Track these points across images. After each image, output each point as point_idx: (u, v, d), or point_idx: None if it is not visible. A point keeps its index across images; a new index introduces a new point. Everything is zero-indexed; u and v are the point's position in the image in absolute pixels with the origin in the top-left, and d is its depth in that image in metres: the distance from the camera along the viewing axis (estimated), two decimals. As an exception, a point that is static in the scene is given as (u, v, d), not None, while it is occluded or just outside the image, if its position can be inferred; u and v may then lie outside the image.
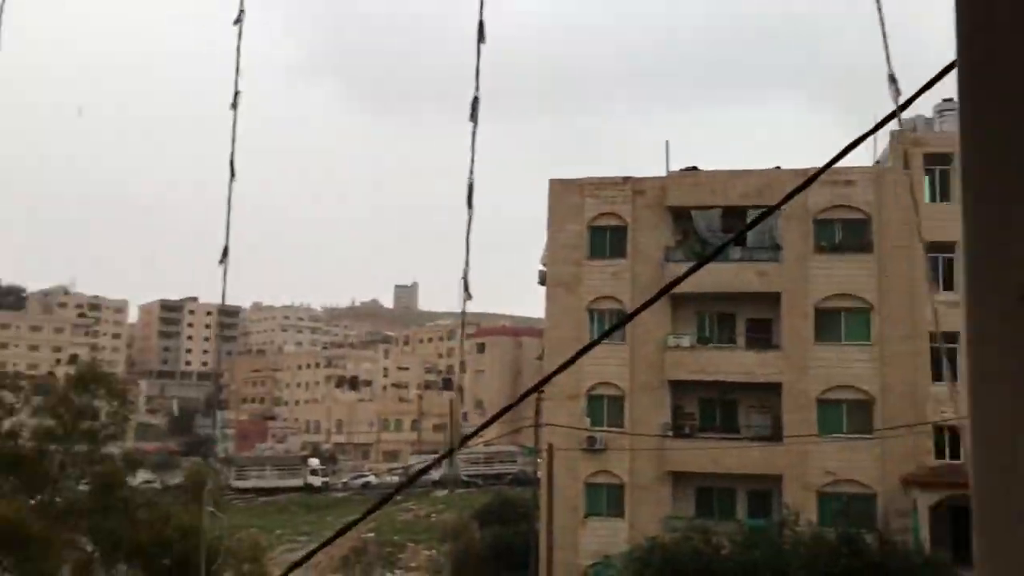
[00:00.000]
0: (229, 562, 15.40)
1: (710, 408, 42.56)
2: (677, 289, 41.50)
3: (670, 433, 41.30)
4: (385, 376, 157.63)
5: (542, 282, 44.08)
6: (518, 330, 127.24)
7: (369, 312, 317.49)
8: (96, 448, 15.09)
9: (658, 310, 42.22)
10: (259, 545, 16.64)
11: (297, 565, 7.82)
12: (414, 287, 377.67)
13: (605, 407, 41.65)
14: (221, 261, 3.31)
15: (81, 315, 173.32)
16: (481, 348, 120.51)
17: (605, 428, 40.99)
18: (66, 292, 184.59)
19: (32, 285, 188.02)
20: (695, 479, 41.23)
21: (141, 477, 17.28)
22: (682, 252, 42.29)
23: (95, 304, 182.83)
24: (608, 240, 42.63)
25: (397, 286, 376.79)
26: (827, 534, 35.00)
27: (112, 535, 14.64)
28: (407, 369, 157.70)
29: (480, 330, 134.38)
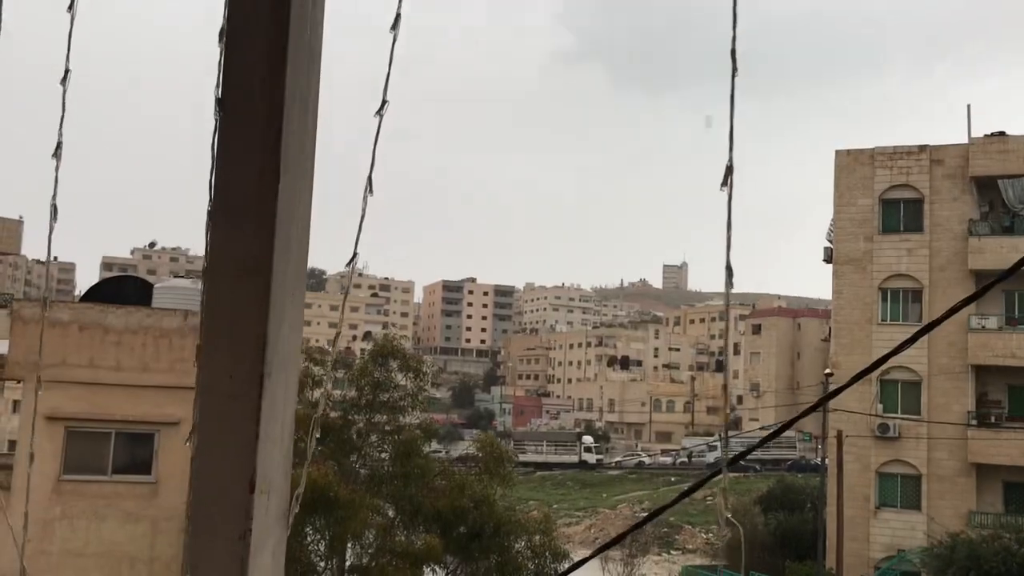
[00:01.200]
0: (519, 533, 15.56)
1: (1020, 395, 38.72)
2: (982, 264, 38.20)
3: (973, 422, 37.99)
4: (655, 356, 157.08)
5: (828, 260, 41.83)
6: (796, 311, 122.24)
7: (638, 293, 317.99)
8: (394, 418, 15.68)
9: (958, 287, 38.92)
10: (549, 518, 16.70)
11: (616, 541, 7.53)
12: (684, 267, 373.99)
13: (899, 392, 38.94)
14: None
15: (373, 295, 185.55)
16: (756, 329, 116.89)
17: (900, 415, 38.31)
18: (360, 274, 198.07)
19: (331, 268, 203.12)
20: (1002, 472, 37.70)
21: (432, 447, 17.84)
22: (988, 225, 38.69)
23: (385, 285, 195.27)
24: (902, 213, 39.73)
25: (666, 266, 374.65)
26: None
27: (412, 501, 15.16)
28: (678, 350, 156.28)
29: (756, 311, 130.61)
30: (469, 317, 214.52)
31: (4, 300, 41.23)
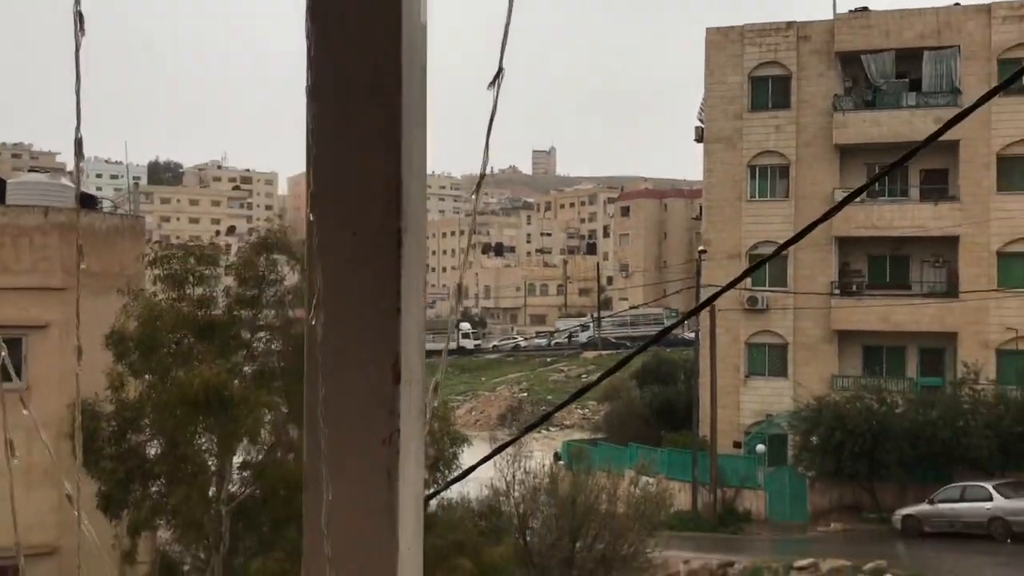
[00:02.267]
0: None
1: (879, 265, 40.67)
2: (846, 139, 39.41)
3: (837, 291, 39.77)
4: (528, 242, 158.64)
5: (699, 139, 42.39)
6: (663, 192, 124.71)
7: (509, 179, 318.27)
8: (283, 312, 15.16)
9: (824, 162, 40.18)
10: (446, 404, 16.64)
11: (532, 428, 7.48)
12: (552, 152, 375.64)
13: (767, 266, 40.26)
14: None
15: (235, 188, 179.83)
16: (625, 211, 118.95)
17: (768, 288, 39.73)
18: (219, 167, 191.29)
19: (187, 160, 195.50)
20: (862, 338, 39.84)
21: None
22: (851, 100, 39.77)
23: (247, 177, 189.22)
24: (771, 90, 40.43)
25: (535, 151, 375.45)
26: (1009, 393, 33.40)
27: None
28: (549, 235, 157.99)
29: (624, 194, 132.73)
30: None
31: None
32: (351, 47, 1.10)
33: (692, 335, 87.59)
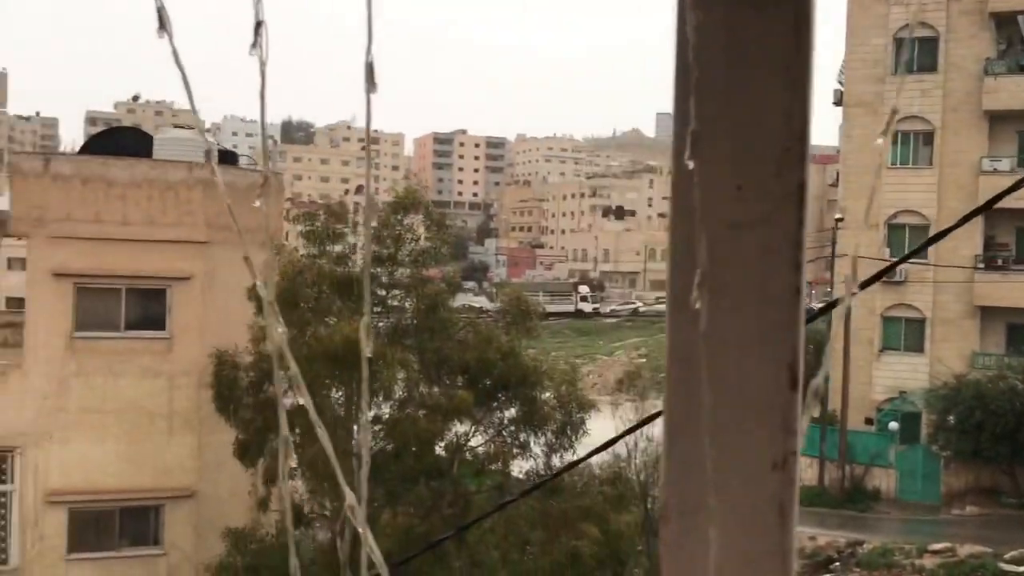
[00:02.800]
0: (545, 384, 15.37)
1: (1029, 238, 38.52)
2: (997, 105, 37.27)
3: (981, 265, 37.84)
4: (650, 206, 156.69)
5: (838, 103, 40.77)
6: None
7: (631, 142, 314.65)
8: (417, 271, 15.22)
9: (971, 128, 38.15)
10: (575, 368, 16.51)
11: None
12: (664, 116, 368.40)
13: (907, 236, 38.59)
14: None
15: (363, 148, 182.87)
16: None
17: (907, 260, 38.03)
18: (349, 127, 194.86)
19: (319, 120, 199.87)
20: (1007, 315, 37.85)
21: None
22: (1005, 64, 37.52)
23: (375, 137, 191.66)
24: (916, 53, 38.43)
25: (659, 114, 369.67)
26: None
27: (437, 354, 14.87)
28: (665, 199, 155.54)
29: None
30: (461, 170, 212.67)
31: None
32: None
33: (817, 307, 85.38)
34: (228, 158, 21.24)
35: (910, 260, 37.79)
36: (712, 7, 0.83)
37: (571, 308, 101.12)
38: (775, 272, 0.87)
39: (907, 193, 38.06)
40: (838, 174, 43.82)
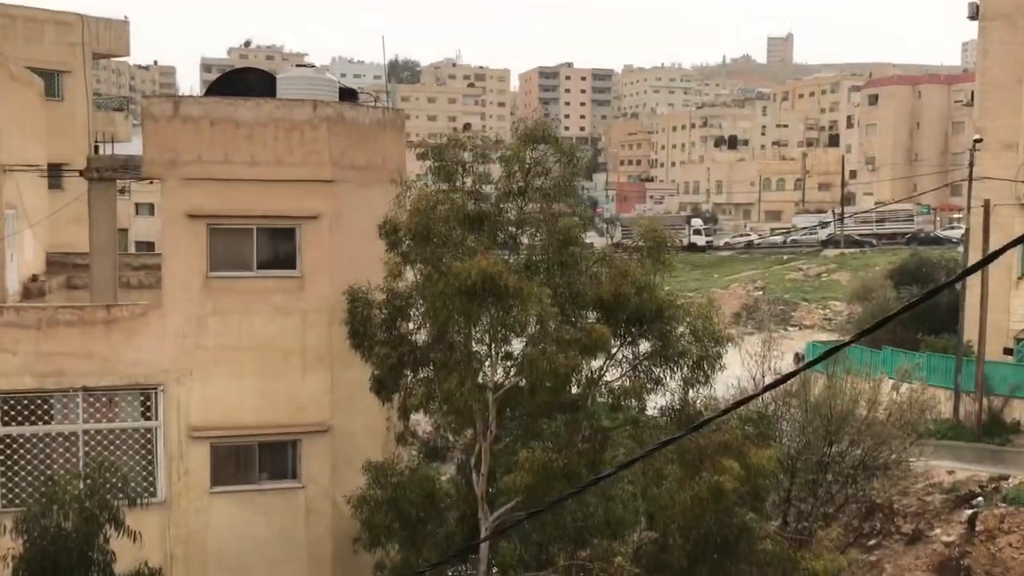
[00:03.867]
0: (680, 318, 14.93)
1: None
2: None
3: None
4: (763, 135, 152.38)
5: (973, 16, 38.34)
6: (916, 78, 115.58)
7: (741, 69, 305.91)
8: (547, 206, 14.88)
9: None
10: (712, 302, 15.99)
11: (865, 333, 6.74)
12: (789, 39, 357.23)
13: (1050, 156, 36.39)
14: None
15: (470, 85, 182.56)
16: (873, 100, 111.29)
17: (1049, 180, 35.91)
18: (454, 64, 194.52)
19: (424, 59, 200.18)
20: None
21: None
22: None
23: (480, 75, 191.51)
24: (1064, -42, 35.77)
25: (770, 39, 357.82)
26: None
27: (571, 288, 14.57)
28: (786, 126, 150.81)
29: (871, 80, 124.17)
30: (567, 104, 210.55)
31: (120, 103, 41.30)
32: None
33: (951, 233, 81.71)
34: (348, 96, 21.14)
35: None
36: None
37: (684, 242, 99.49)
38: None
39: (1051, 111, 35.79)
40: (972, 93, 41.44)
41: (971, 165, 35.64)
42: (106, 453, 17.10)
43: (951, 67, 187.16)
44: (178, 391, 17.74)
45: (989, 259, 5.50)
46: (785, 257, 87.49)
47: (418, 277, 14.70)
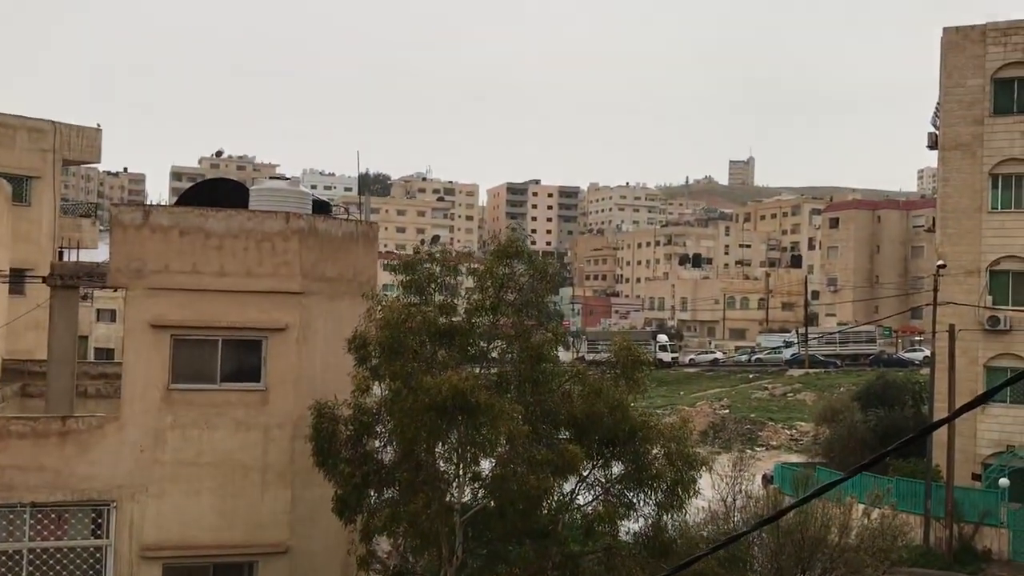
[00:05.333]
0: (655, 440, 14.63)
1: None
2: (1105, 145, 35.70)
3: (1091, 311, 36.05)
4: (726, 253, 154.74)
5: (933, 146, 39.53)
6: (876, 203, 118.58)
7: (704, 190, 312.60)
8: (520, 320, 14.69)
9: (1077, 171, 36.60)
10: (687, 423, 15.73)
11: (864, 467, 6.50)
12: (750, 162, 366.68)
13: (1010, 283, 37.02)
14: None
15: (439, 199, 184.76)
16: (834, 223, 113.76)
17: (1011, 307, 36.47)
18: (424, 178, 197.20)
19: (395, 172, 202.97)
20: (1122, 364, 35.87)
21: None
22: (1114, 102, 36.04)
23: (449, 189, 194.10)
24: (1017, 93, 37.14)
25: (732, 162, 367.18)
26: None
27: (543, 406, 14.27)
28: (748, 246, 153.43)
29: (832, 204, 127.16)
30: (534, 219, 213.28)
31: (88, 210, 41.07)
32: None
33: (912, 355, 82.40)
34: (321, 208, 21.10)
35: (1015, 307, 36.27)
36: None
37: (650, 358, 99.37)
38: None
39: (1010, 238, 36.61)
40: (933, 220, 42.40)
41: (935, 290, 36.15)
42: (52, 574, 16.25)
43: (908, 192, 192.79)
44: (132, 508, 17.02)
45: (960, 410, 5.32)
46: (751, 376, 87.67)
47: (386, 392, 14.36)
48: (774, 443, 65.19)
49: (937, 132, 39.20)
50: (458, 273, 14.91)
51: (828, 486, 5.31)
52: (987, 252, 36.90)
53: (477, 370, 14.45)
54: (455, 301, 14.77)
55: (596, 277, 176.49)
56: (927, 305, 36.54)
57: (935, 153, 39.64)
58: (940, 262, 37.23)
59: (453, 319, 14.63)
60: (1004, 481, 33.72)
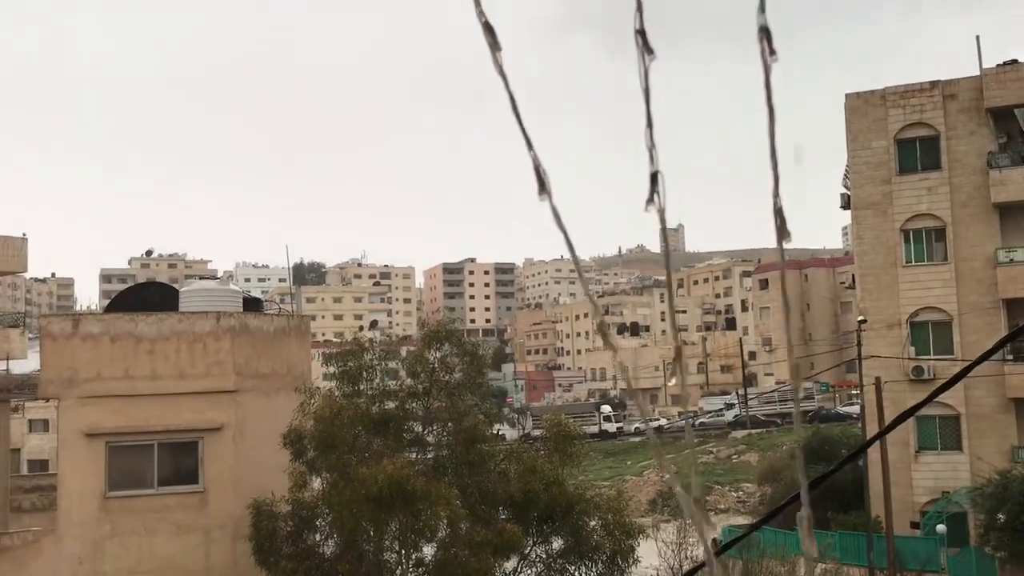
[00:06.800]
0: (591, 512, 14.97)
1: (1054, 326, 38.13)
2: (1006, 197, 37.54)
3: (1009, 357, 37.38)
4: (663, 320, 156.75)
5: (845, 206, 41.09)
6: (802, 263, 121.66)
7: (637, 258, 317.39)
8: (452, 404, 15.03)
9: (982, 222, 38.32)
10: (622, 495, 16.08)
11: (776, 512, 6.93)
12: (680, 229, 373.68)
13: (931, 333, 38.35)
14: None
15: (375, 284, 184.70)
16: (764, 284, 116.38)
17: (933, 356, 37.73)
18: (359, 264, 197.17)
19: (330, 259, 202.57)
20: (1042, 405, 37.19)
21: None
22: (1008, 156, 37.96)
23: (385, 273, 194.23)
24: (919, 152, 38.98)
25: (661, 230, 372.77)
26: None
27: (479, 488, 14.55)
28: (684, 312, 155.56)
29: (761, 266, 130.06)
30: (472, 298, 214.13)
31: (16, 319, 40.50)
32: None
33: (850, 409, 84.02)
34: (253, 305, 21.32)
35: (936, 357, 37.50)
36: None
37: (595, 429, 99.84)
38: None
39: (926, 290, 38.03)
40: (853, 276, 43.87)
41: (859, 344, 37.26)
42: None
43: (834, 249, 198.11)
44: (71, 622, 16.78)
45: (869, 443, 5.81)
46: (696, 440, 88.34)
47: (324, 486, 14.52)
48: (722, 507, 65.54)
49: (849, 192, 40.80)
50: (396, 357, 15.23)
51: (739, 538, 5.70)
52: (906, 305, 38.24)
53: (414, 455, 14.71)
54: (393, 385, 15.07)
55: (537, 351, 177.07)
56: (854, 359, 37.59)
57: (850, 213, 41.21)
58: (861, 317, 38.46)
59: (387, 406, 14.91)
60: (942, 528, 34.47)
